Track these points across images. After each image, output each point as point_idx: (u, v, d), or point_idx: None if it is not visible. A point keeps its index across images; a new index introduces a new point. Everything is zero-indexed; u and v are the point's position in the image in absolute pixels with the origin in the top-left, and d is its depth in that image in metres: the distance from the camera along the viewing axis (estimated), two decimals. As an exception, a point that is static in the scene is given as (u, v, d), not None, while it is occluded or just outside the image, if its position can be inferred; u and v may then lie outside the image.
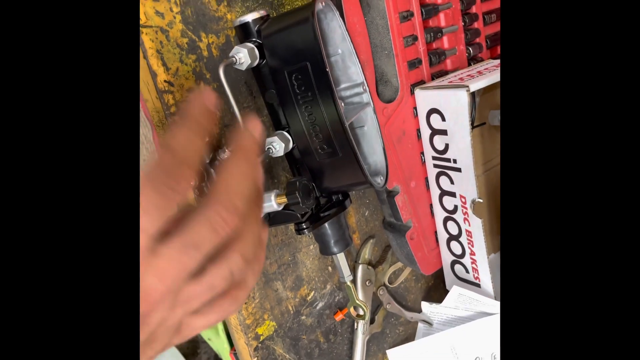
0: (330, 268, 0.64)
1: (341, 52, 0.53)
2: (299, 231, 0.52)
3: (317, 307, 0.64)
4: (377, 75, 0.61)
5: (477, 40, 0.68)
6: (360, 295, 0.65)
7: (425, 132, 0.62)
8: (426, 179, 0.65)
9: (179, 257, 0.30)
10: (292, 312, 0.62)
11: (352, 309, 0.61)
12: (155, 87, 0.49)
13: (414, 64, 0.61)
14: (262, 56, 0.49)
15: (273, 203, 0.48)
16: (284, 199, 0.47)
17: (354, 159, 0.49)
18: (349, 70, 0.54)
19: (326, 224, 0.54)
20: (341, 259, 0.57)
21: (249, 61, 0.48)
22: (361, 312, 0.61)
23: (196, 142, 0.32)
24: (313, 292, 0.63)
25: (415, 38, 0.61)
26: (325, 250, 0.57)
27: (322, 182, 0.52)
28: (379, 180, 0.54)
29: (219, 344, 1.23)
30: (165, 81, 0.49)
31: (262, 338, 0.59)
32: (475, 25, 0.68)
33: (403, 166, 0.62)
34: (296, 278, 0.61)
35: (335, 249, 0.56)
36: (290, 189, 0.46)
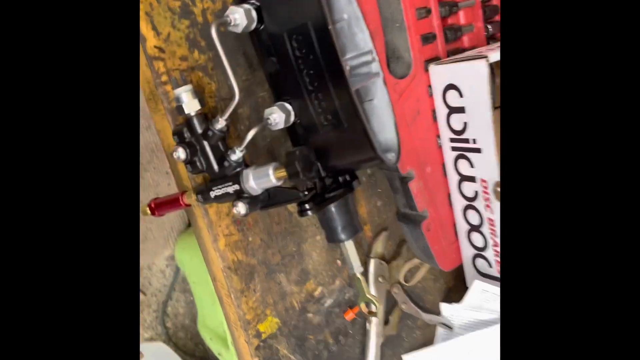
0: (339, 262, 0.59)
1: (347, 17, 0.49)
2: (302, 212, 0.47)
3: (325, 305, 0.58)
4: (389, 51, 0.57)
5: (497, 18, 0.63)
6: (373, 292, 0.59)
7: (442, 112, 0.57)
8: (443, 165, 0.60)
9: None
10: (297, 308, 0.56)
11: (362, 305, 0.56)
12: (145, 53, 0.45)
13: (427, 38, 0.56)
14: (260, 21, 0.46)
15: (271, 177, 0.43)
16: (282, 172, 0.43)
17: (361, 129, 0.44)
18: (356, 37, 0.49)
19: (332, 206, 0.49)
20: (350, 247, 0.52)
21: (245, 22, 0.44)
22: (373, 309, 0.56)
23: None
24: (320, 287, 0.58)
25: (429, 11, 0.56)
26: (332, 237, 0.52)
27: (328, 159, 0.47)
28: (390, 156, 0.49)
29: (228, 357, 1.17)
30: (155, 47, 0.45)
31: (264, 336, 0.54)
32: (494, 1, 0.63)
33: (418, 149, 0.57)
34: (301, 271, 0.56)
35: (342, 236, 0.51)
36: (289, 159, 0.42)
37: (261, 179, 0.44)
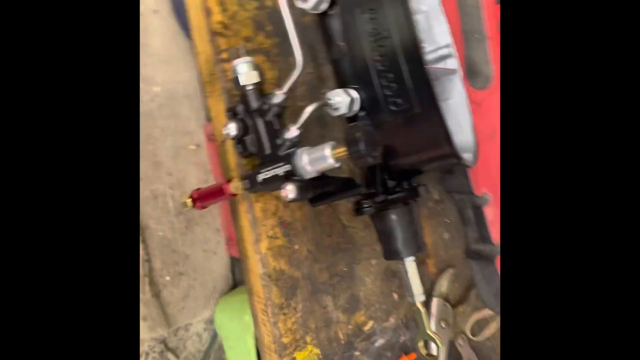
0: (396, 295, 0.51)
1: (426, 10, 0.45)
2: (359, 210, 0.41)
3: (376, 344, 0.49)
4: (466, 66, 0.53)
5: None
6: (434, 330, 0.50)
7: (524, 131, 0.50)
8: (523, 196, 0.52)
9: None
10: (342, 341, 0.47)
11: (421, 345, 0.46)
12: (208, 28, 0.43)
13: (509, 54, 0.52)
14: (330, 5, 0.43)
15: (328, 156, 0.38)
16: (342, 151, 0.37)
17: (437, 114, 0.39)
18: (433, 30, 0.45)
19: (393, 213, 0.43)
20: (411, 268, 0.44)
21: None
22: (434, 350, 0.46)
23: None
24: (372, 322, 0.49)
25: (512, 26, 0.52)
26: (389, 252, 0.44)
27: (393, 156, 0.42)
28: (467, 156, 0.43)
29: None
30: (219, 22, 0.43)
31: (300, 369, 0.45)
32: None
33: (494, 172, 0.50)
34: (351, 297, 0.48)
35: (403, 251, 0.43)
36: (350, 130, 0.37)
37: (316, 159, 0.38)
